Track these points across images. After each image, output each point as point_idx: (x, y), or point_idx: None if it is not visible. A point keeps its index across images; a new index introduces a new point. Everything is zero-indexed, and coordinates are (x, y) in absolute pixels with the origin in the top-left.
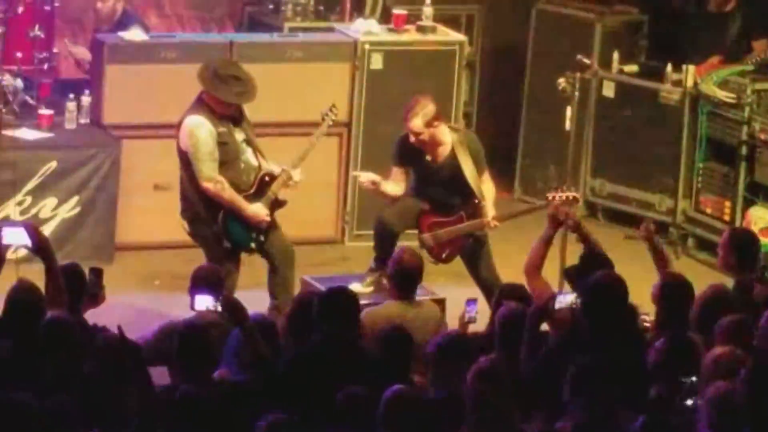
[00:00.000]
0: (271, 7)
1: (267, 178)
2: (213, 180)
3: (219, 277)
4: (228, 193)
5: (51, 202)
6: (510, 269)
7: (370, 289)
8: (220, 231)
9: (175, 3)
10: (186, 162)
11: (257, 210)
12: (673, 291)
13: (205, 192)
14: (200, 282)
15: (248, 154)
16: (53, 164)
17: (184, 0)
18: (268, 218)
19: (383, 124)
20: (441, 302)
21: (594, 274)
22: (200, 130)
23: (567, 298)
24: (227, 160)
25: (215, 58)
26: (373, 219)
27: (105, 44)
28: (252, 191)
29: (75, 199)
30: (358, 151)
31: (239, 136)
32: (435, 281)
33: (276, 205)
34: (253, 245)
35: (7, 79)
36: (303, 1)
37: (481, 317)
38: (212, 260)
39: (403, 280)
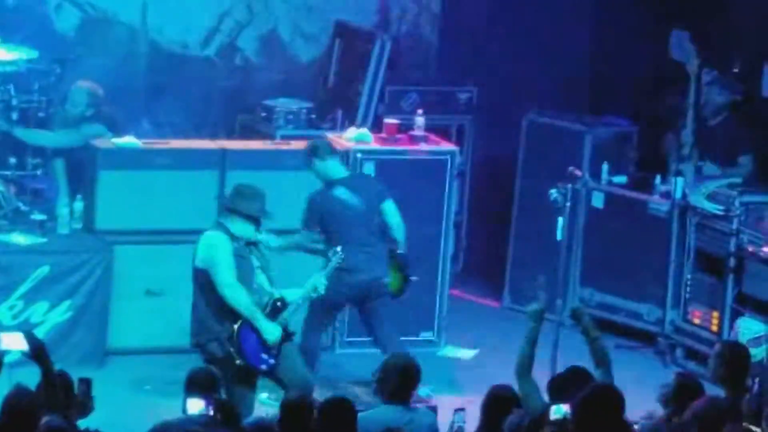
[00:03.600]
0: (263, 115)
1: (279, 304)
2: (233, 286)
3: (213, 380)
4: (247, 299)
5: (42, 306)
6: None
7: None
8: (234, 346)
9: (168, 110)
10: (201, 282)
11: (273, 328)
12: (686, 392)
13: (224, 299)
14: (193, 386)
15: (262, 279)
16: (45, 269)
17: (176, 107)
18: (280, 339)
19: None
20: (433, 409)
21: (590, 386)
22: (218, 240)
23: (561, 410)
24: (241, 276)
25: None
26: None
27: (98, 150)
28: (265, 313)
29: (67, 303)
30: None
31: (254, 261)
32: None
33: (286, 333)
34: (264, 367)
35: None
36: (295, 109)
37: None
38: (229, 384)
39: (400, 383)
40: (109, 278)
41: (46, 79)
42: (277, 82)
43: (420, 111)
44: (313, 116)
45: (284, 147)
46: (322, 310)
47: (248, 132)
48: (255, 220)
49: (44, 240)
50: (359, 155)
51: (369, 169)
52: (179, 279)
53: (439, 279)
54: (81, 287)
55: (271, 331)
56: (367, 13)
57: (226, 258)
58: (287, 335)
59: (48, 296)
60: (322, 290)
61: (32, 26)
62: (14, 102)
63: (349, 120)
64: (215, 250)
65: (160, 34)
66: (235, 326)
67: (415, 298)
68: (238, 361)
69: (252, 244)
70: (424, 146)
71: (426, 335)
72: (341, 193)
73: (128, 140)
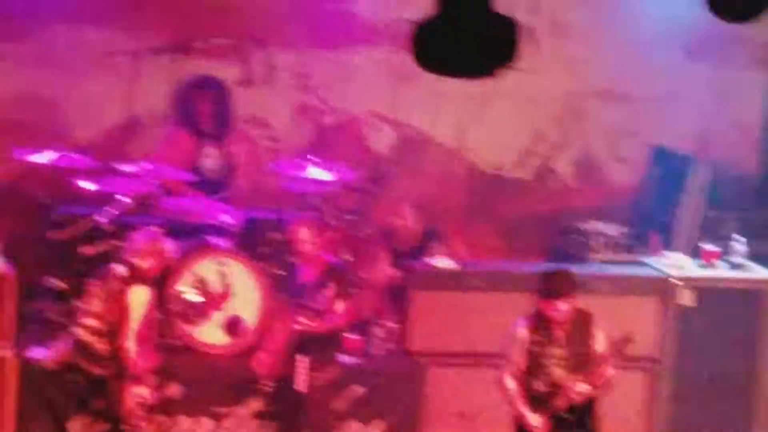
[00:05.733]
0: (579, 238)
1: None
2: (502, 374)
3: None
4: (511, 386)
5: (356, 426)
6: None
7: None
8: None
9: (482, 231)
10: None
11: (533, 419)
12: None
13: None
14: None
15: (557, 370)
16: (359, 389)
17: (491, 229)
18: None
19: (693, 362)
20: None
21: None
22: (517, 329)
23: None
24: (529, 366)
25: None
26: None
27: (413, 271)
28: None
29: (378, 423)
30: (666, 388)
31: (557, 351)
32: None
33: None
34: None
35: None
36: (611, 233)
37: None
38: None
39: None
40: (422, 400)
41: (361, 197)
42: (592, 206)
43: (739, 238)
44: (630, 241)
45: (599, 272)
46: None
47: (563, 255)
48: None
49: (359, 360)
50: (677, 282)
51: (687, 296)
52: (493, 403)
53: (753, 412)
54: (393, 408)
55: (532, 418)
56: (686, 137)
57: (512, 348)
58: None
59: (360, 415)
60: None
61: (349, 144)
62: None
63: (666, 245)
64: (509, 336)
65: (475, 154)
66: None
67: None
68: None
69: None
70: (743, 274)
71: None
72: None
73: (443, 261)
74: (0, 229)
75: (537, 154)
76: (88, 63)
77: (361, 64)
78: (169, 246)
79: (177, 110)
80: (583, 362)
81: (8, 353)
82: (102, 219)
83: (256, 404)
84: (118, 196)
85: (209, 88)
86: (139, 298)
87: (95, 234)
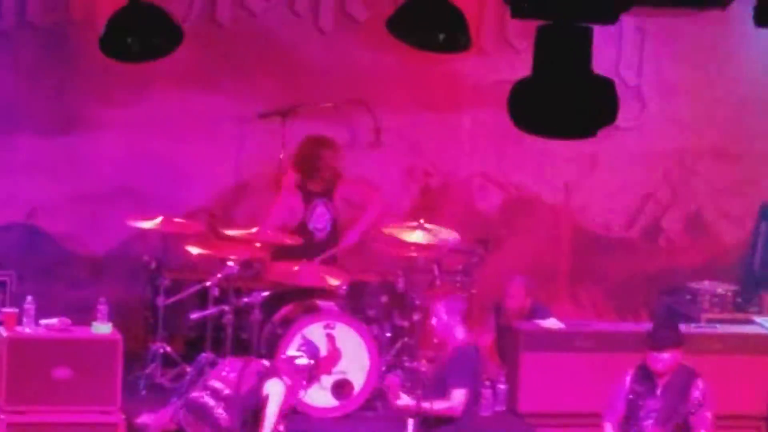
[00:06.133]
0: (688, 297)
1: None
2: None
3: None
4: None
5: None
6: None
7: None
8: None
9: (590, 292)
10: None
11: None
12: None
13: None
14: None
15: (648, 422)
16: None
17: (599, 289)
18: None
19: None
20: None
21: None
22: (624, 378)
23: None
24: (627, 415)
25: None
26: None
27: (521, 331)
28: None
29: None
30: None
31: (653, 402)
32: None
33: None
34: None
35: None
36: (720, 292)
37: None
38: None
39: None
40: None
41: (468, 259)
42: (701, 264)
43: None
44: (739, 299)
45: (708, 331)
46: None
47: (672, 314)
48: None
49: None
50: None
51: None
52: None
53: None
54: None
55: None
56: None
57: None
58: None
59: None
60: None
61: (456, 206)
62: (437, 282)
63: None
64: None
65: (582, 214)
66: None
67: None
68: None
69: None
70: None
71: None
72: None
73: (551, 322)
74: (108, 293)
75: (645, 212)
76: (196, 128)
77: (468, 126)
78: (307, 366)
79: (295, 167)
80: (674, 417)
81: (116, 418)
82: (210, 284)
83: None
84: (226, 261)
85: (334, 147)
86: (277, 391)
87: (203, 299)
